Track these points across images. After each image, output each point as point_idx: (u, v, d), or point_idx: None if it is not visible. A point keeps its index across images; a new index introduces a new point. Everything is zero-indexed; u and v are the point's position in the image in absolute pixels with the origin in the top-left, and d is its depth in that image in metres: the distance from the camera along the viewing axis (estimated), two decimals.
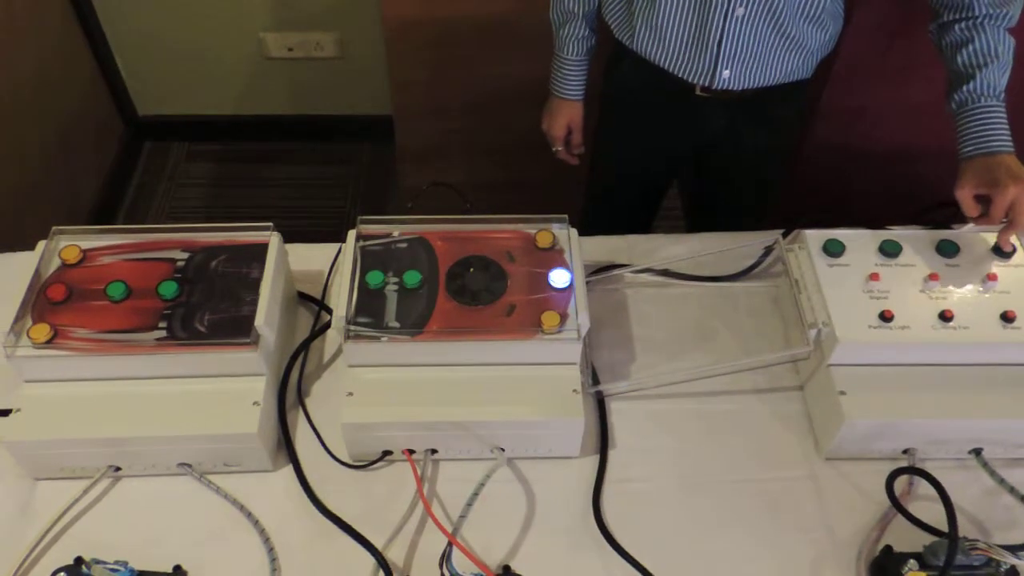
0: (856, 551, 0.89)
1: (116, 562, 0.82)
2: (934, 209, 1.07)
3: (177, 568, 0.85)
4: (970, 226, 1.02)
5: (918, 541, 0.85)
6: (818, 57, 1.23)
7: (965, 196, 1.01)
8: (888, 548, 0.86)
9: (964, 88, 1.06)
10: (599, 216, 1.55)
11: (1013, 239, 1.00)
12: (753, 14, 1.12)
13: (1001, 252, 0.99)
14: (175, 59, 2.27)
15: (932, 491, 0.83)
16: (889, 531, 0.89)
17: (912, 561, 0.83)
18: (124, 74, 2.32)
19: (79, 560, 0.82)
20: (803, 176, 1.73)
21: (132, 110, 2.41)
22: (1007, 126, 1.04)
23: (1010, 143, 1.03)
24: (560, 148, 1.44)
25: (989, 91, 1.05)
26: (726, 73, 1.19)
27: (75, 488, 0.89)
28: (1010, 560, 0.81)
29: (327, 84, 2.32)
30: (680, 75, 1.22)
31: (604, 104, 1.40)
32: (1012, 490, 0.92)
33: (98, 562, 0.81)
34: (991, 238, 1.01)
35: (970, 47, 1.07)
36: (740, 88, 1.21)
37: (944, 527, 0.82)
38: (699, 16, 1.15)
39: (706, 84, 1.21)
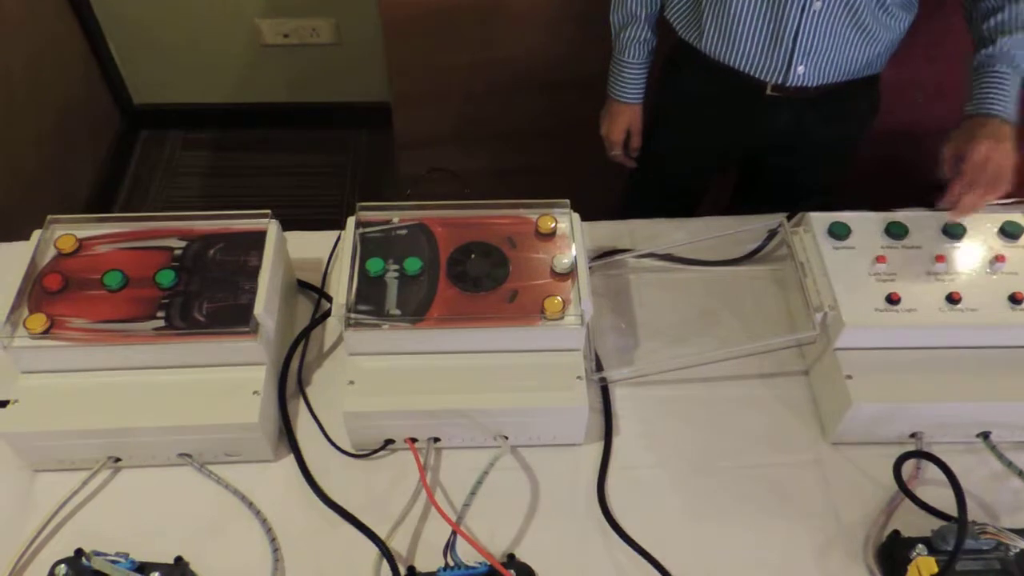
0: (863, 536, 0.88)
1: (117, 553, 0.81)
2: (940, 190, 1.06)
3: (178, 559, 0.84)
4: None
5: (926, 526, 0.84)
6: (892, 49, 1.21)
7: (947, 152, 1.01)
8: (896, 533, 0.85)
9: (982, 52, 1.05)
10: (636, 207, 1.51)
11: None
12: (830, 7, 1.10)
13: (1008, 233, 0.98)
14: (170, 47, 2.25)
15: (939, 475, 0.83)
16: (897, 516, 0.89)
17: (920, 546, 0.82)
18: (119, 63, 2.30)
19: (79, 552, 0.81)
20: None
21: (127, 99, 2.39)
22: (1013, 96, 1.03)
23: (1010, 111, 1.02)
24: (619, 152, 1.41)
25: (1005, 58, 1.03)
26: (801, 69, 1.16)
27: (75, 479, 0.89)
28: (1020, 544, 0.81)
29: (324, 71, 2.31)
30: (753, 74, 1.19)
31: (660, 106, 1.37)
32: (1020, 473, 0.91)
33: (98, 554, 0.80)
34: (999, 219, 0.99)
35: (999, 16, 1.05)
36: (815, 84, 1.18)
37: (952, 511, 0.81)
38: (774, 12, 1.12)
39: (779, 82, 1.19)
